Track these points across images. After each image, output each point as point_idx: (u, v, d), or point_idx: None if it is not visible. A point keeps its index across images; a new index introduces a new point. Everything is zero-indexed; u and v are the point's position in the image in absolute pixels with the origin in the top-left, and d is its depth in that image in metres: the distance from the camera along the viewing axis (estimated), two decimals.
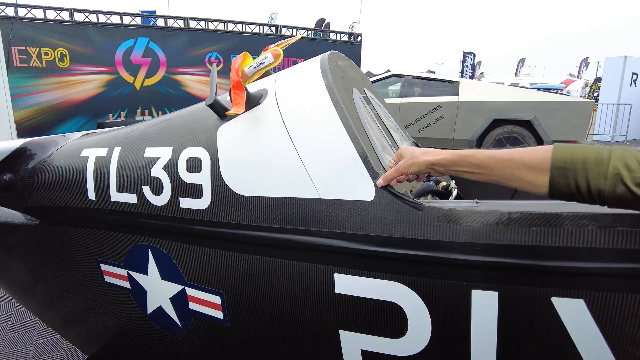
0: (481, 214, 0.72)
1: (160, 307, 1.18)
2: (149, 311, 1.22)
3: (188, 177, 1.01)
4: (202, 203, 0.99)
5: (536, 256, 0.68)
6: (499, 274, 0.70)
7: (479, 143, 6.12)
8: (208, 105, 1.00)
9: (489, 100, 6.05)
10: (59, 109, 6.89)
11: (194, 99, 8.24)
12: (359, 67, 10.19)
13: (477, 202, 0.76)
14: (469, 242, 0.71)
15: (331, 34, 10.17)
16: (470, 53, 18.35)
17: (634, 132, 9.96)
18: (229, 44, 8.78)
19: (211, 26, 8.63)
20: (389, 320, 0.81)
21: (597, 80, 18.64)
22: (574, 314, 0.67)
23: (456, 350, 0.77)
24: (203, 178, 0.99)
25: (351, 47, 10.01)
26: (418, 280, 0.76)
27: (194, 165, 1.00)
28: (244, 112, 0.96)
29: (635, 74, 10.24)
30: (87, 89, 7.17)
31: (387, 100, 6.30)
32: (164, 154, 1.06)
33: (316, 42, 9.68)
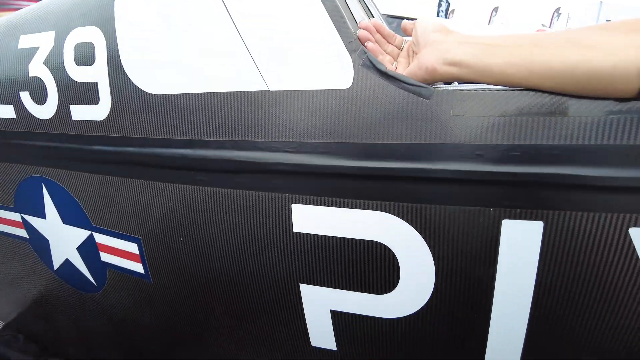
0: (523, 96, 0.44)
1: (67, 260, 0.89)
2: (55, 266, 0.93)
3: (78, 73, 0.68)
4: (99, 110, 0.68)
5: (608, 164, 0.42)
6: (549, 192, 0.44)
7: None
8: None
9: None
10: None
11: None
12: None
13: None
14: (503, 143, 0.44)
15: None
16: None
17: None
18: None
19: None
20: (371, 268, 0.55)
21: None
22: None
23: (470, 313, 0.52)
24: (98, 73, 0.66)
25: None
26: (418, 208, 0.50)
27: (85, 55, 0.67)
28: None
29: (609, 20, 10.09)
30: None
31: None
32: (43, 41, 0.72)
33: None
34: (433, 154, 0.47)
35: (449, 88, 0.47)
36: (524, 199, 0.45)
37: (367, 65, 0.50)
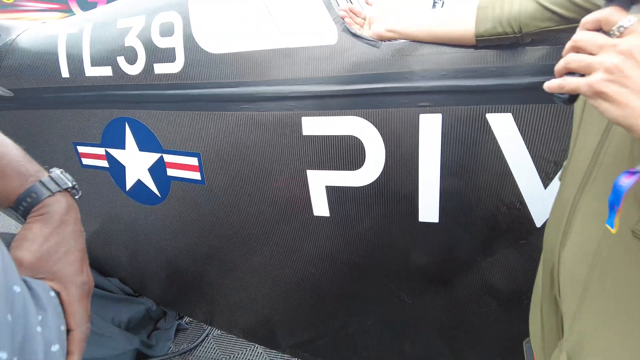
0: (428, 45, 0.81)
1: (138, 180, 1.26)
2: (127, 187, 1.29)
3: (161, 42, 1.05)
4: (175, 66, 1.05)
5: (474, 76, 0.79)
6: (443, 96, 0.81)
7: None
8: None
9: None
10: None
11: None
12: None
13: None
14: (417, 69, 0.81)
15: None
16: None
17: None
18: None
19: None
20: (349, 153, 0.92)
21: None
22: (503, 126, 0.79)
23: (406, 175, 0.89)
24: (176, 41, 1.03)
25: None
26: (375, 112, 0.87)
27: (167, 30, 1.04)
28: None
29: None
30: None
31: None
32: (136, 22, 1.09)
33: None
34: (382, 78, 0.84)
35: (389, 43, 0.84)
36: (424, 100, 0.82)
37: (345, 30, 0.87)
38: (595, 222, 0.51)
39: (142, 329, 1.74)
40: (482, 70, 0.78)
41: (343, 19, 0.89)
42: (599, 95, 0.41)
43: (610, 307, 0.52)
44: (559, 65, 0.45)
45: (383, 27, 0.84)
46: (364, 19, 0.96)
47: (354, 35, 0.86)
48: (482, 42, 0.76)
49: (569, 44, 0.44)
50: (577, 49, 0.44)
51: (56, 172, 0.47)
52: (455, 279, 0.98)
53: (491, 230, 0.89)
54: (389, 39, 0.85)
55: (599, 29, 0.42)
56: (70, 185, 0.46)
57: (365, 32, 0.91)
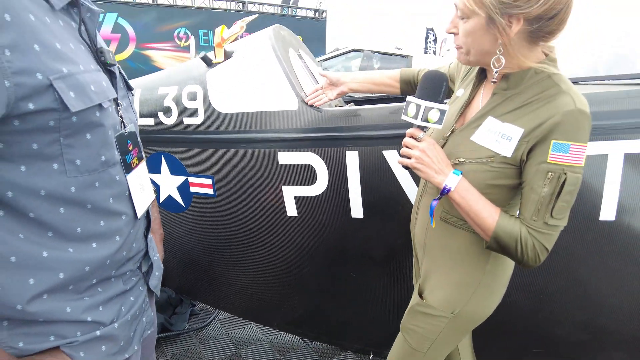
0: (351, 111, 1.38)
1: (169, 195, 1.81)
2: (161, 200, 1.85)
3: (189, 104, 1.63)
4: (198, 120, 1.62)
5: (373, 129, 1.35)
6: (357, 139, 1.37)
7: None
8: (201, 59, 1.62)
9: None
10: None
11: None
12: (325, 41, 10.57)
13: (354, 105, 1.42)
14: (343, 125, 1.38)
15: (297, 10, 10.61)
16: (431, 29, 19.12)
17: None
18: (197, 20, 9.04)
19: (179, 2, 8.88)
20: (307, 174, 1.47)
21: None
22: (393, 159, 1.35)
23: (340, 192, 1.45)
24: (198, 104, 1.61)
25: (317, 22, 10.51)
26: (321, 150, 1.43)
27: (192, 96, 1.62)
28: (222, 61, 1.58)
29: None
30: None
31: None
32: (172, 90, 1.67)
33: (283, 17, 10.11)
34: (324, 130, 1.41)
35: (328, 108, 1.41)
36: (348, 143, 1.38)
37: (302, 102, 1.44)
38: (427, 213, 1.07)
39: (164, 312, 2.26)
40: (378, 126, 1.35)
41: (312, 105, 1.45)
42: (413, 167, 0.97)
43: (435, 257, 1.08)
44: (402, 149, 1.00)
45: (347, 87, 1.41)
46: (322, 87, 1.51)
47: (307, 105, 1.44)
48: (403, 92, 1.33)
49: (403, 141, 1.00)
50: (405, 144, 1.00)
51: None
52: (378, 258, 1.53)
53: (395, 222, 1.43)
54: (349, 92, 1.42)
55: (412, 136, 0.99)
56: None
57: (329, 93, 1.47)
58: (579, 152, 0.82)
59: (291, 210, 1.56)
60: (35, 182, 0.61)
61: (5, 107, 0.54)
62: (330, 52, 8.27)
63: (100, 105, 0.67)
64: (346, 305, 1.71)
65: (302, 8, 10.65)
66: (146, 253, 0.88)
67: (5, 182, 0.59)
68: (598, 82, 2.01)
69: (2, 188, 0.59)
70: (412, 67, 1.40)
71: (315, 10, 10.64)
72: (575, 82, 2.12)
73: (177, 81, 1.68)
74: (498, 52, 0.87)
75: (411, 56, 7.27)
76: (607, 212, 1.28)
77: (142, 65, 8.68)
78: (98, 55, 0.73)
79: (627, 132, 1.23)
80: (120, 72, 0.83)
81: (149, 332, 0.89)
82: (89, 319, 0.70)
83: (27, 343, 0.64)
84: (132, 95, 0.91)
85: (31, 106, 0.57)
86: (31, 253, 0.62)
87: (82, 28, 0.70)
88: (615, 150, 1.24)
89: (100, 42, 0.77)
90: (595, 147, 1.24)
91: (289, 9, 10.65)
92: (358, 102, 2.37)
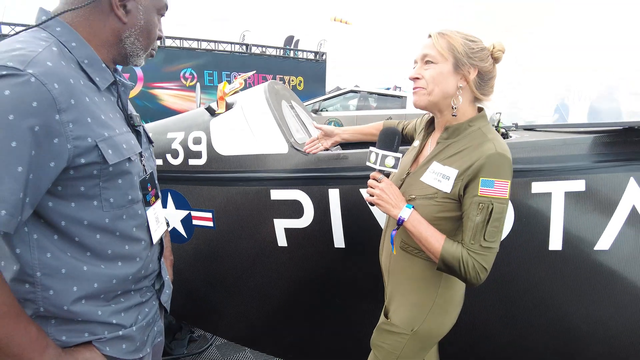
0: (332, 155, 1.61)
1: (174, 227, 2.02)
2: None
3: (194, 147, 1.86)
4: (201, 161, 1.85)
5: (352, 170, 1.58)
6: (338, 179, 1.60)
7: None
8: (205, 109, 1.87)
9: None
10: None
11: (169, 112, 8.91)
12: (325, 81, 11.05)
13: (344, 153, 1.66)
14: (326, 167, 1.61)
15: (299, 52, 11.16)
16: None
17: None
18: (202, 61, 9.48)
19: (186, 44, 9.38)
20: (296, 209, 1.69)
21: None
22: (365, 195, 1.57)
23: (324, 224, 1.66)
24: (202, 147, 1.85)
25: (317, 64, 11.03)
26: (307, 187, 1.65)
27: (197, 141, 1.86)
28: (224, 112, 1.84)
29: None
30: None
31: (346, 114, 7.30)
32: (179, 135, 1.91)
33: (285, 59, 10.62)
34: (310, 171, 1.64)
35: (315, 153, 1.65)
36: (330, 182, 1.61)
37: (291, 147, 1.68)
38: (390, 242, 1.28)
39: (165, 337, 2.41)
40: (356, 167, 1.58)
41: (309, 152, 1.68)
42: (375, 202, 1.19)
43: (397, 281, 1.28)
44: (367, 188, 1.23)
45: (340, 137, 1.65)
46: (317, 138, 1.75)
47: (295, 149, 1.67)
48: None
49: (368, 182, 1.22)
50: (369, 185, 1.22)
51: None
52: (359, 284, 1.72)
53: (372, 251, 1.63)
54: (342, 142, 1.65)
55: (374, 178, 1.21)
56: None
57: (325, 142, 1.70)
58: (502, 186, 1.04)
59: (281, 240, 1.76)
60: (81, 215, 0.83)
61: (67, 162, 0.77)
62: (330, 92, 8.70)
63: (129, 158, 0.90)
64: (333, 331, 1.88)
65: (303, 51, 11.22)
66: (159, 274, 1.08)
67: (61, 214, 0.81)
68: (550, 129, 2.26)
69: (58, 218, 0.81)
70: (395, 120, 1.65)
71: (316, 53, 11.20)
72: (531, 129, 2.39)
73: (184, 127, 1.93)
74: (458, 93, 1.12)
75: (405, 97, 7.65)
76: (555, 243, 1.48)
77: (149, 104, 9.05)
78: (128, 119, 0.97)
79: (566, 173, 1.46)
80: (144, 130, 1.06)
81: (159, 340, 1.08)
82: (114, 321, 0.90)
83: (69, 337, 0.84)
84: (152, 146, 1.14)
85: (82, 160, 0.80)
86: (75, 267, 0.83)
87: (118, 100, 0.95)
88: (558, 189, 1.46)
89: (130, 109, 1.02)
90: (541, 187, 1.47)
91: (291, 51, 11.21)
92: (344, 145, 2.63)
